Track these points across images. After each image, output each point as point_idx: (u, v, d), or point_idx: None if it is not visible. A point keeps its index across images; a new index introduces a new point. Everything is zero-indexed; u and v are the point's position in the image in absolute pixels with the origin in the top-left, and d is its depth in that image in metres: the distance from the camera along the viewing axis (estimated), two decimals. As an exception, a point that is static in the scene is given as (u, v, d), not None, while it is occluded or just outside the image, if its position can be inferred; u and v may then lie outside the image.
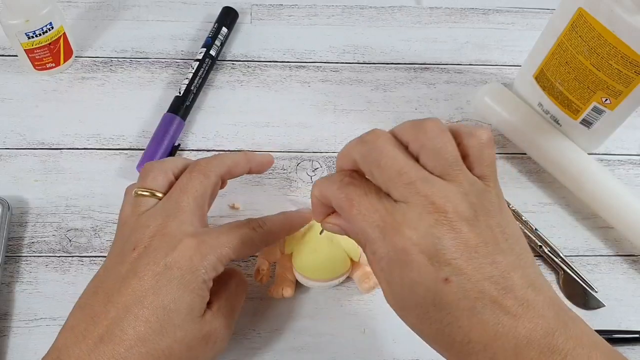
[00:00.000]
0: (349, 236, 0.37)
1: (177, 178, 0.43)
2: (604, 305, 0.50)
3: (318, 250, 0.46)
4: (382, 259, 0.33)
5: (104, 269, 0.40)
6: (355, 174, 0.35)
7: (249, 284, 0.48)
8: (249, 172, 0.46)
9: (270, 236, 0.43)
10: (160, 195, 0.42)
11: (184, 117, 0.56)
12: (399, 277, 0.33)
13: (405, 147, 0.34)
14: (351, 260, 0.47)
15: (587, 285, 0.50)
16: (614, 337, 0.48)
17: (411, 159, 0.34)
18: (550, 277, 0.51)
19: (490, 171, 0.35)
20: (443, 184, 0.33)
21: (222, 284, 0.42)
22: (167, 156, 0.54)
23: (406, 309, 0.34)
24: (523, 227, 0.52)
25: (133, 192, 0.42)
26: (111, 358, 0.35)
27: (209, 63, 0.59)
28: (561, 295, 0.50)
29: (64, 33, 0.56)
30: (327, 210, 0.38)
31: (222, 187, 0.45)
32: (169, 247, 0.38)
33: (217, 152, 0.55)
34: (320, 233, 0.45)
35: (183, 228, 0.39)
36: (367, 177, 0.35)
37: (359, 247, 0.47)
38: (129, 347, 0.35)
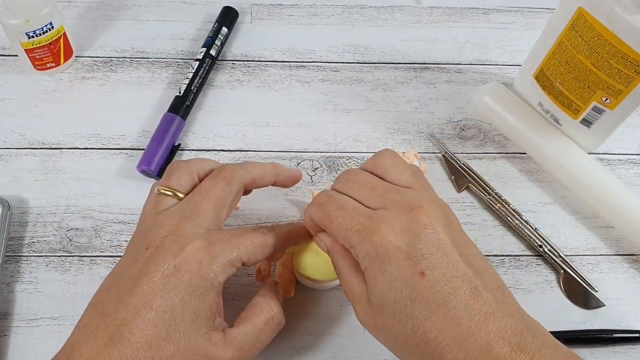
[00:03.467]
0: (329, 254, 0.40)
1: (201, 180, 0.42)
2: (604, 305, 0.50)
3: (319, 250, 0.46)
4: (364, 258, 0.35)
5: (119, 266, 0.39)
6: (331, 191, 0.39)
7: (246, 285, 0.48)
8: (274, 184, 0.45)
9: (281, 241, 0.42)
10: (181, 195, 0.41)
11: (184, 116, 0.56)
12: (379, 273, 0.35)
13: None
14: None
15: (587, 285, 0.50)
16: (614, 337, 0.48)
17: (381, 180, 0.39)
18: (550, 276, 0.51)
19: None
20: (413, 191, 0.38)
21: (249, 315, 0.40)
22: (168, 156, 0.54)
23: (385, 308, 0.35)
24: (523, 227, 0.52)
25: (155, 190, 0.42)
26: (119, 358, 0.35)
27: (209, 63, 0.59)
28: (562, 294, 0.50)
29: (64, 33, 0.56)
30: (316, 229, 0.41)
31: (245, 193, 0.44)
32: (179, 248, 0.37)
33: (217, 152, 0.55)
34: None
35: (196, 230, 0.39)
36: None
37: None
38: (136, 350, 0.35)
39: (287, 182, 0.46)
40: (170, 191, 0.41)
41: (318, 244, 0.41)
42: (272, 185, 0.45)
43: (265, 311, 0.41)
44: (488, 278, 0.35)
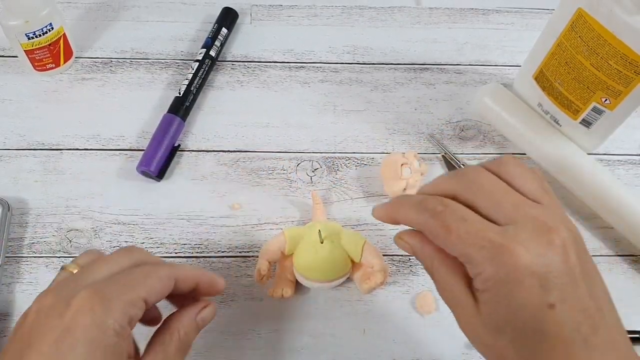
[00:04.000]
0: (415, 256, 0.37)
1: None
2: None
3: (319, 251, 0.46)
4: (489, 280, 0.32)
5: (2, 350, 0.34)
6: (446, 199, 0.34)
7: (246, 285, 0.48)
8: (196, 292, 0.39)
9: (181, 274, 0.37)
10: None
11: (183, 117, 0.56)
12: (506, 298, 0.32)
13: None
14: (352, 261, 0.47)
15: (587, 285, 0.50)
16: (614, 337, 0.48)
17: (511, 187, 0.34)
18: (550, 277, 0.51)
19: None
20: (544, 208, 0.33)
21: (158, 344, 0.36)
22: (167, 157, 0.54)
23: (502, 332, 0.32)
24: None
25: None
26: None
27: (209, 64, 0.59)
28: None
29: (64, 34, 0.56)
30: (392, 223, 0.37)
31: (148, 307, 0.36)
32: (61, 307, 0.32)
33: (217, 153, 0.55)
34: (321, 242, 0.45)
35: (79, 284, 0.34)
36: (465, 204, 0.34)
37: (360, 248, 0.47)
38: None
39: (208, 288, 0.39)
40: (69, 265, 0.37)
41: (400, 244, 0.37)
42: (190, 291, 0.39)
43: (174, 339, 0.36)
44: (607, 312, 0.33)
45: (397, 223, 0.36)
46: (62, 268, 0.37)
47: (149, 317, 0.39)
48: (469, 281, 0.34)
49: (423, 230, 0.35)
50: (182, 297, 0.39)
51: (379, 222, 0.52)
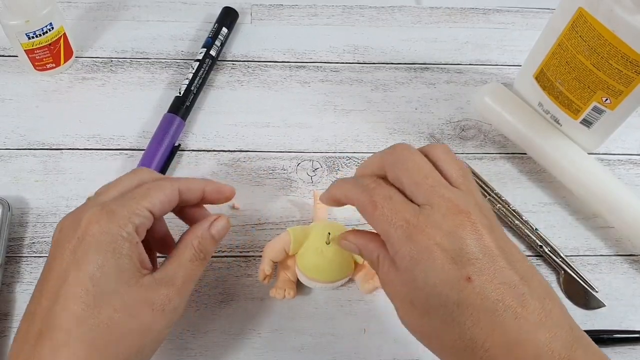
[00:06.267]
0: (362, 255, 0.39)
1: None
2: (604, 305, 0.50)
3: (325, 251, 0.46)
4: (404, 258, 0.34)
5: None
6: (378, 179, 0.37)
7: (247, 285, 0.48)
8: (203, 201, 0.43)
9: (184, 185, 0.41)
10: None
11: (184, 117, 0.56)
12: (422, 276, 0.33)
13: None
14: (354, 261, 0.47)
15: (587, 285, 0.50)
16: (615, 337, 0.48)
17: (435, 169, 0.36)
18: (550, 277, 0.51)
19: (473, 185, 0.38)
20: (461, 192, 0.36)
21: (175, 254, 0.39)
22: (168, 157, 0.54)
23: (430, 312, 0.34)
24: (523, 227, 0.52)
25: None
26: (52, 349, 0.34)
27: (209, 63, 0.59)
28: (562, 295, 0.50)
29: (64, 33, 0.56)
30: (336, 204, 0.40)
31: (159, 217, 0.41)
32: (76, 223, 0.37)
33: (217, 153, 0.55)
34: (328, 244, 0.45)
35: (92, 204, 0.38)
36: (391, 181, 0.37)
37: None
38: (68, 331, 0.34)
39: (216, 195, 0.43)
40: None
41: (346, 245, 0.40)
42: (200, 201, 0.43)
43: (188, 248, 0.39)
44: (535, 285, 0.34)
45: (339, 203, 0.40)
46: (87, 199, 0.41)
47: (161, 234, 0.43)
48: None
49: (356, 205, 0.37)
50: (193, 214, 0.43)
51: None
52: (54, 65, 0.58)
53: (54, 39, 0.56)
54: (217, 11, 0.63)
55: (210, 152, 0.55)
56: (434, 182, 0.35)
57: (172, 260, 0.39)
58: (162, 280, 0.37)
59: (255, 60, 0.61)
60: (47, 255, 0.49)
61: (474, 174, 0.55)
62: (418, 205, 0.35)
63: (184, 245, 0.39)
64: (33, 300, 0.37)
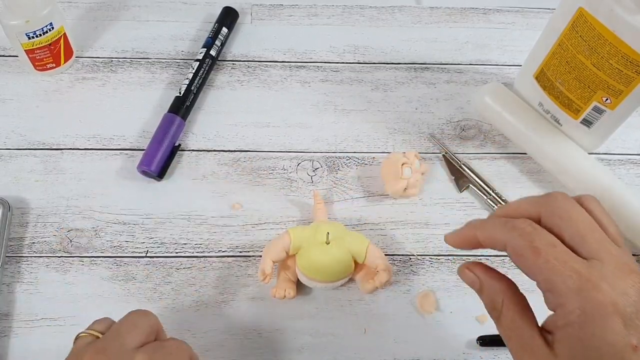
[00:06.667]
0: (479, 292, 0.35)
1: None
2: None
3: (326, 252, 0.46)
4: (572, 313, 0.31)
5: None
6: (534, 223, 0.34)
7: (247, 285, 0.48)
8: None
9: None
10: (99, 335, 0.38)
11: (184, 117, 0.56)
12: (587, 335, 0.31)
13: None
14: (354, 261, 0.47)
15: (587, 285, 0.50)
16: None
17: (597, 223, 0.34)
18: (550, 276, 0.51)
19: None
20: (624, 250, 0.33)
21: None
22: (168, 157, 0.54)
23: None
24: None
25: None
26: None
27: (209, 63, 0.59)
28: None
29: (65, 33, 0.56)
30: (469, 246, 0.36)
31: None
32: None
33: (217, 153, 0.55)
34: (328, 243, 0.45)
35: (122, 349, 0.35)
36: (548, 230, 0.33)
37: (365, 249, 0.47)
38: None
39: None
40: (87, 332, 0.38)
41: (466, 277, 0.36)
42: None
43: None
44: None
45: (475, 245, 0.35)
46: (77, 338, 0.38)
47: None
48: (538, 326, 0.33)
49: (508, 249, 0.33)
50: None
51: (380, 222, 0.52)
52: (54, 65, 0.58)
53: (54, 39, 0.56)
54: (217, 11, 0.63)
55: (210, 152, 0.55)
56: (600, 236, 0.33)
57: None
58: None
59: (256, 60, 0.61)
60: (47, 255, 0.49)
61: (474, 173, 0.55)
62: (585, 259, 0.32)
63: None
64: None
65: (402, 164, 0.51)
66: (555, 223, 0.33)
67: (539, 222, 0.34)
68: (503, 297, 0.34)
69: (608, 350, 0.30)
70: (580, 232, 0.33)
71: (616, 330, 0.30)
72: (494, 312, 0.34)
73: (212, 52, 0.59)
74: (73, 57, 0.59)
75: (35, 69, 0.57)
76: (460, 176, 0.55)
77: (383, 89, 0.60)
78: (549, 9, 0.66)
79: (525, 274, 0.33)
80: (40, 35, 0.54)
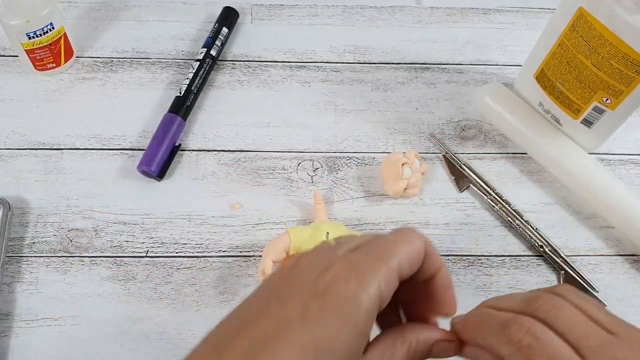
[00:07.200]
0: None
1: None
2: (605, 305, 0.49)
3: None
4: None
5: (243, 300, 0.31)
6: (535, 328, 0.30)
7: (247, 285, 0.48)
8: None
9: (428, 243, 0.32)
10: None
11: (184, 117, 0.56)
12: None
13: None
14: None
15: (588, 285, 0.50)
16: (615, 337, 0.48)
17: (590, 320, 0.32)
18: (551, 277, 0.51)
19: None
20: (619, 339, 0.32)
21: (385, 338, 0.32)
22: (168, 157, 0.53)
23: None
24: (524, 227, 0.52)
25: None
26: None
27: (210, 63, 0.59)
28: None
29: (65, 33, 0.56)
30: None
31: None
32: (318, 271, 0.29)
33: (217, 153, 0.55)
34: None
35: (336, 253, 0.30)
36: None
37: None
38: None
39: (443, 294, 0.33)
40: None
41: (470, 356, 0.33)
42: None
43: (405, 346, 0.32)
44: None
45: (475, 345, 0.32)
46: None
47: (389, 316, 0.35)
48: None
49: (501, 352, 0.30)
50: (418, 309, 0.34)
51: (380, 222, 0.52)
52: (54, 65, 0.58)
53: (55, 39, 0.56)
54: (218, 11, 0.63)
55: (210, 152, 0.55)
56: (596, 339, 0.31)
57: (386, 351, 0.31)
58: None
59: (256, 60, 0.61)
60: (47, 255, 0.49)
61: (474, 173, 0.55)
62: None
63: (401, 340, 0.32)
64: (225, 328, 0.29)
65: (402, 164, 0.51)
66: (554, 325, 0.30)
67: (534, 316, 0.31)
68: None
69: None
70: (578, 334, 0.30)
71: None
72: None
73: (213, 52, 0.59)
74: (73, 57, 0.59)
75: (36, 68, 0.57)
76: (460, 176, 0.55)
77: (383, 89, 0.60)
78: (549, 9, 0.66)
79: None
80: (41, 35, 0.54)
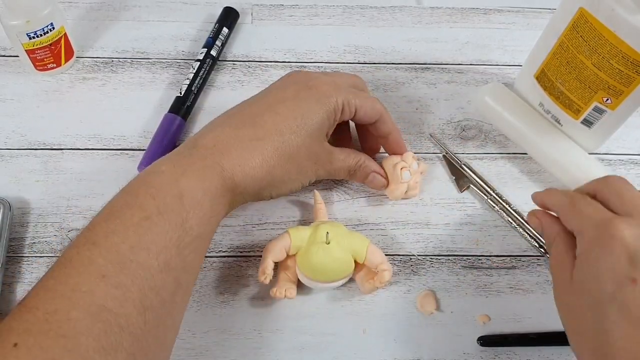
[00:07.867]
0: (545, 233, 0.43)
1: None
2: None
3: (326, 252, 0.46)
4: (588, 241, 0.36)
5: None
6: (587, 197, 0.40)
7: (247, 285, 0.48)
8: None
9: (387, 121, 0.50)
10: None
11: (184, 117, 0.56)
12: (595, 258, 0.35)
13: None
14: (355, 261, 0.47)
15: (588, 285, 0.50)
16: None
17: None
18: (551, 277, 0.51)
19: None
20: None
21: (346, 153, 0.49)
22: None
23: (584, 293, 0.35)
24: (524, 227, 0.52)
25: None
26: (252, 138, 0.42)
27: (210, 63, 0.59)
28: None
29: (65, 33, 0.56)
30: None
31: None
32: (308, 77, 0.47)
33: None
34: (327, 243, 0.45)
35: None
36: (600, 202, 0.39)
37: (365, 249, 0.47)
38: (267, 133, 0.43)
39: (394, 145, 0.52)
40: None
41: (532, 220, 0.44)
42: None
43: (357, 161, 0.49)
44: None
45: (544, 207, 0.44)
46: None
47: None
48: (575, 257, 0.38)
49: (554, 204, 0.42)
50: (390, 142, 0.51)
51: (380, 222, 0.53)
52: (54, 65, 0.58)
53: (55, 39, 0.56)
54: (218, 11, 0.63)
55: (210, 152, 0.55)
56: (637, 201, 0.37)
57: (345, 152, 0.49)
58: (332, 157, 0.48)
59: (256, 60, 0.61)
60: (48, 255, 0.49)
61: (474, 173, 0.55)
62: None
63: (355, 153, 0.50)
64: (239, 106, 0.47)
65: (401, 168, 0.51)
66: (607, 197, 0.38)
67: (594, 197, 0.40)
68: (557, 234, 0.40)
69: (608, 275, 0.34)
70: (619, 197, 0.37)
71: (619, 260, 0.34)
72: (548, 245, 0.41)
73: (213, 52, 0.59)
74: (74, 57, 0.59)
75: (36, 69, 0.57)
76: (460, 176, 0.55)
77: (383, 89, 0.60)
78: (549, 9, 0.66)
79: (566, 225, 0.40)
80: (41, 35, 0.54)
